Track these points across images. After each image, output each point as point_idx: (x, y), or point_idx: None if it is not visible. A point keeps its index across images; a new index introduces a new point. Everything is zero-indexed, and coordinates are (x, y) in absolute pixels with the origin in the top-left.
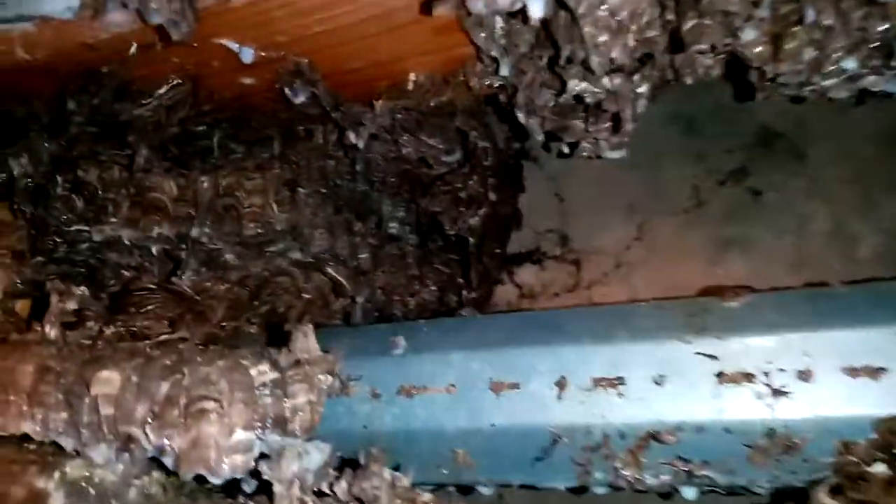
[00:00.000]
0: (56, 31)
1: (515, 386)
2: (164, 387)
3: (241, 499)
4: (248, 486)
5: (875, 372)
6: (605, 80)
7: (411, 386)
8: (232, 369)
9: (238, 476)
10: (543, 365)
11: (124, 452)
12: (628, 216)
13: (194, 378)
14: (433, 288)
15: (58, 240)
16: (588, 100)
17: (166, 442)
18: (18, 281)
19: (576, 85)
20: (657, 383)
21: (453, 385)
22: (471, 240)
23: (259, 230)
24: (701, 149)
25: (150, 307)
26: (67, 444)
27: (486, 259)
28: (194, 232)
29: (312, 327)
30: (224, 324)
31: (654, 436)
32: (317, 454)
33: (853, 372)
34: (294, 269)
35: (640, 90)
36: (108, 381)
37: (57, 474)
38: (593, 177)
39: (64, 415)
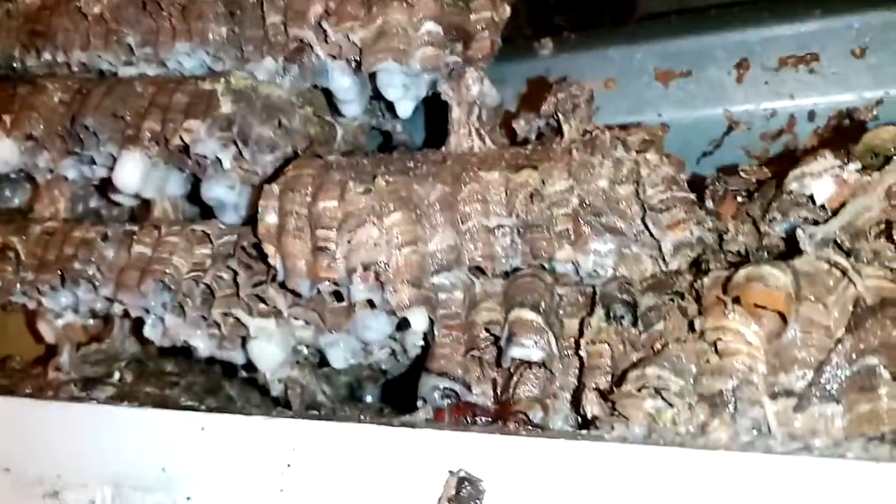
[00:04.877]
0: None
1: (687, 74)
2: None
3: None
4: None
5: None
6: None
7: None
8: None
9: (427, 75)
10: (721, 50)
11: (293, 63)
12: None
13: None
14: None
15: None
16: None
17: (345, 37)
18: None
19: None
20: (856, 56)
21: (611, 79)
22: None
23: None
24: None
25: None
26: (226, 62)
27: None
28: None
29: None
30: None
31: (850, 114)
32: (493, 92)
33: None
34: None
35: None
36: None
37: (222, 80)
38: None
39: (224, 29)
